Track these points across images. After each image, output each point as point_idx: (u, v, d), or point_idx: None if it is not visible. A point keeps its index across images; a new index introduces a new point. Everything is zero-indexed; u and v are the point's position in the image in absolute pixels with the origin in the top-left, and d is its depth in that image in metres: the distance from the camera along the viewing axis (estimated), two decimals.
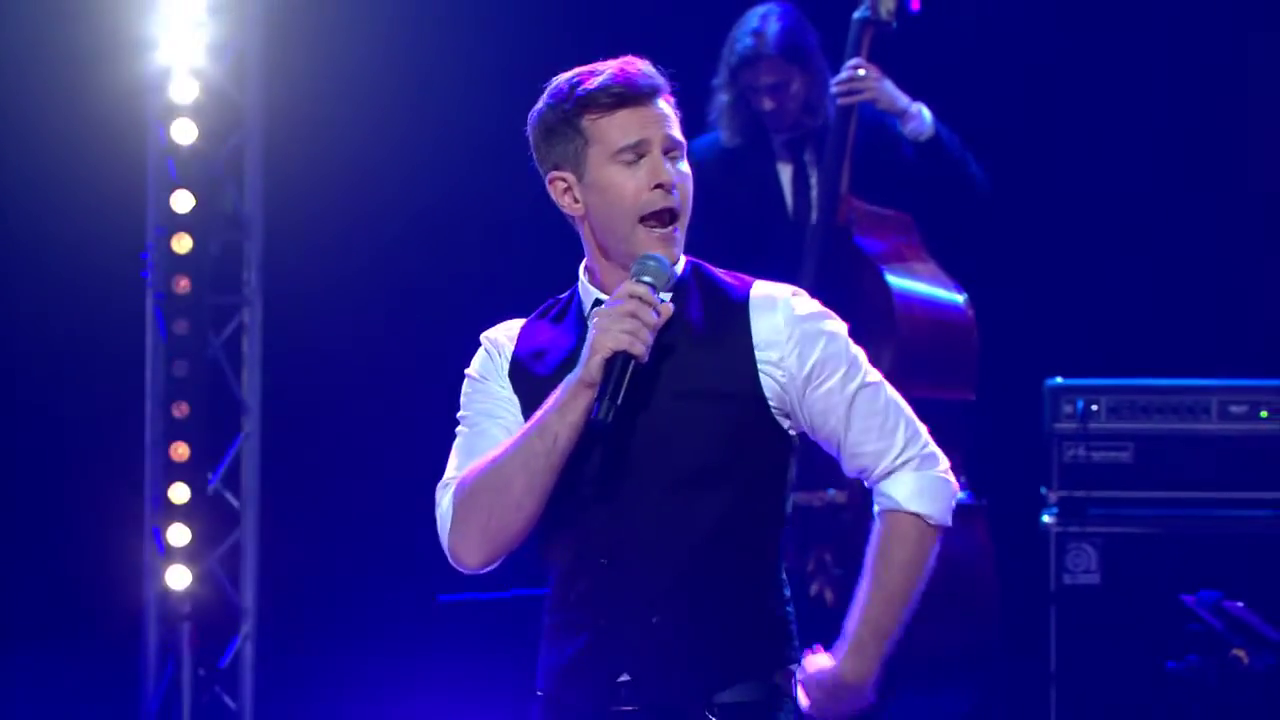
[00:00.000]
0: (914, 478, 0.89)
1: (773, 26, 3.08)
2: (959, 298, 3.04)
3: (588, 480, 0.85)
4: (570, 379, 0.81)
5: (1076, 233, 3.73)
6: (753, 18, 3.09)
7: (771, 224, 3.22)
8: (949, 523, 0.91)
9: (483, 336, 0.99)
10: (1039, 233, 3.75)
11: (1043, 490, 2.98)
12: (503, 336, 0.97)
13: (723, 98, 3.07)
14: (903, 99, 3.08)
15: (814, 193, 3.08)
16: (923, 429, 0.92)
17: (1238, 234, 3.71)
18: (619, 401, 0.76)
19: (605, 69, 0.89)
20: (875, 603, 0.86)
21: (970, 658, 2.88)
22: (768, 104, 3.09)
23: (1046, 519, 2.94)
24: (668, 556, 0.83)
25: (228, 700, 3.13)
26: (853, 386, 0.88)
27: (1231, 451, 2.91)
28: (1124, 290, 3.73)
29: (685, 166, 0.90)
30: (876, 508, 0.90)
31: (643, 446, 0.85)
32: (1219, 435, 2.93)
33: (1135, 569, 2.86)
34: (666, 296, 0.89)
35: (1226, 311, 3.57)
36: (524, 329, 0.97)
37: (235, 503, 3.18)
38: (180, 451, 3.08)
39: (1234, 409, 2.97)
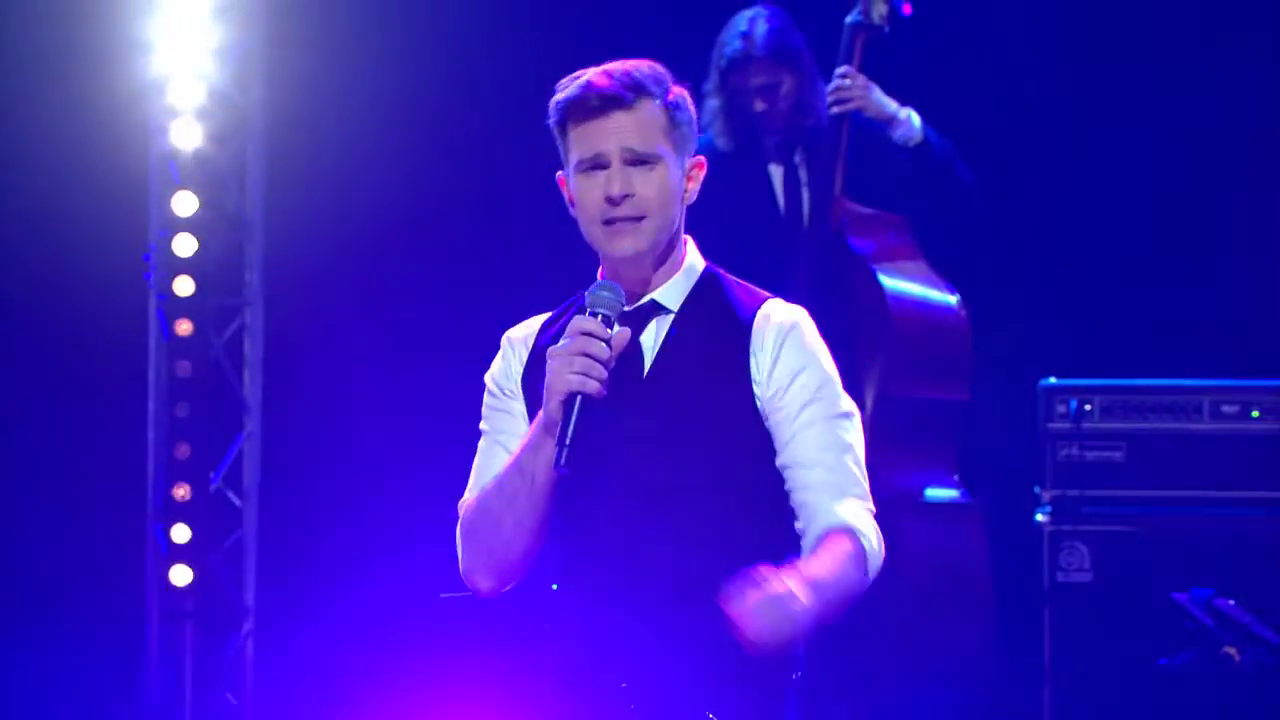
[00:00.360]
0: (869, 522, 0.85)
1: (761, 28, 3.11)
2: (952, 299, 3.07)
3: (586, 489, 0.85)
4: (538, 419, 0.82)
5: (1070, 234, 3.75)
6: (740, 21, 3.11)
7: (763, 226, 3.25)
8: (869, 580, 0.85)
9: (504, 337, 1.01)
10: (1032, 234, 3.78)
11: (1036, 489, 3.01)
12: (520, 336, 0.99)
13: (713, 102, 3.10)
14: (891, 106, 3.11)
15: (805, 194, 3.12)
16: (870, 507, 0.88)
17: (1231, 235, 3.74)
18: (569, 443, 0.77)
19: (582, 78, 0.90)
20: (825, 573, 0.77)
21: (964, 655, 2.91)
22: (759, 105, 3.12)
23: (1040, 518, 2.97)
24: (667, 566, 0.83)
25: (229, 697, 3.16)
26: (818, 414, 0.86)
27: (1223, 451, 2.94)
28: (1117, 291, 3.76)
29: (656, 174, 0.89)
30: (816, 528, 0.84)
31: (640, 457, 0.85)
32: (1211, 435, 2.95)
33: (1128, 567, 2.89)
34: (672, 312, 0.91)
35: (1218, 312, 3.59)
36: (543, 327, 0.97)
37: (237, 501, 3.21)
38: (182, 451, 3.11)
39: (1226, 409, 2.99)
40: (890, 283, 3.05)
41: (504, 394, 0.97)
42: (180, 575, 3.08)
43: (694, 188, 0.99)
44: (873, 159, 3.23)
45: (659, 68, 0.94)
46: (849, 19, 3.16)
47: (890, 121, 3.21)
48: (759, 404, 0.87)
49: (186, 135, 3.13)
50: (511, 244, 3.66)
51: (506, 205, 3.61)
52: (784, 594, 0.70)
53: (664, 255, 0.93)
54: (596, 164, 0.88)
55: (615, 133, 0.88)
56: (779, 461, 0.88)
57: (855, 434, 0.90)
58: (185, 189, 3.16)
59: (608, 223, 0.87)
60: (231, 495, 3.21)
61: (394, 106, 3.55)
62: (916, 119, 3.14)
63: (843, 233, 3.10)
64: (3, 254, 3.25)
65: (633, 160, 0.87)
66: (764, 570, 0.70)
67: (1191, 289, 3.60)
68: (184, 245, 3.17)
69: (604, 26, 3.75)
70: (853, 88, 3.17)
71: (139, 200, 3.28)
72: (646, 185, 0.88)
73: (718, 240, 3.34)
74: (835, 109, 3.09)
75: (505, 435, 0.94)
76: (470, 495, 0.93)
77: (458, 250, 3.68)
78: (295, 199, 3.49)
